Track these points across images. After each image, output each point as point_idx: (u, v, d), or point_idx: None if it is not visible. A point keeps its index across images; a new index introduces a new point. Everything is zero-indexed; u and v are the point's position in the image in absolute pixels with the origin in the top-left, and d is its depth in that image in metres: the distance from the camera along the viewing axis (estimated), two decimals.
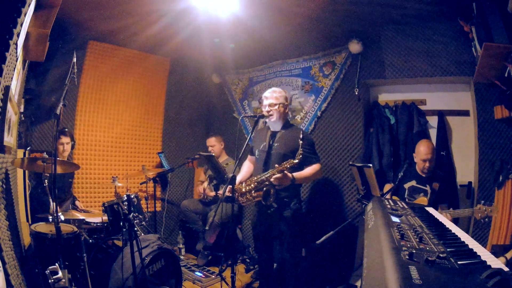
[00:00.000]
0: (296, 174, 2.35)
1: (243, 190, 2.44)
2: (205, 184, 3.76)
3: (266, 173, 2.39)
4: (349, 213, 3.25)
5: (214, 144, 3.86)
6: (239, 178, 2.59)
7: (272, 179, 2.30)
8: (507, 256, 1.81)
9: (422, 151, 2.55)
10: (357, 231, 3.14)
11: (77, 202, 3.21)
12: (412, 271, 0.69)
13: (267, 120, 2.55)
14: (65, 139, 3.02)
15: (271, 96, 2.52)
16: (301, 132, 2.39)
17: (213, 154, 3.41)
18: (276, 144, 2.50)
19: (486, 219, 2.09)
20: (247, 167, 2.77)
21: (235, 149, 3.33)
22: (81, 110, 3.57)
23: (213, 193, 3.66)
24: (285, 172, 2.29)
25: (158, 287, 2.43)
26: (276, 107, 2.51)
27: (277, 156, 2.45)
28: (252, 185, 2.43)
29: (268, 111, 2.50)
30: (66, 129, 3.09)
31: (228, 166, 3.64)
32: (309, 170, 2.44)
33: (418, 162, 2.60)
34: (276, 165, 2.35)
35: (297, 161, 2.31)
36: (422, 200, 2.51)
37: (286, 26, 3.13)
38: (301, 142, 2.30)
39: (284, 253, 2.55)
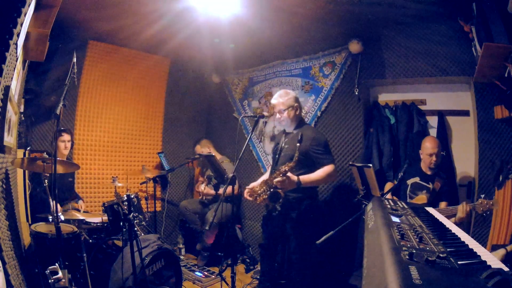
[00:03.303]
0: (303, 177, 2.27)
1: (258, 191, 2.40)
2: (204, 185, 3.75)
3: (272, 175, 2.34)
4: (349, 213, 3.25)
5: (202, 151, 3.87)
6: (261, 178, 2.54)
7: (274, 182, 2.25)
8: (508, 249, 1.79)
9: (428, 146, 2.56)
10: (357, 231, 3.14)
11: (80, 202, 3.20)
12: (412, 271, 0.69)
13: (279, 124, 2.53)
14: (66, 137, 3.05)
15: (278, 103, 2.46)
16: (306, 132, 2.34)
17: (213, 154, 3.41)
18: (286, 146, 2.46)
19: (488, 212, 2.09)
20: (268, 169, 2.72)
21: (235, 149, 3.33)
22: (81, 110, 3.57)
23: (212, 192, 3.66)
24: (289, 175, 2.23)
25: (158, 287, 2.43)
26: (285, 113, 2.46)
27: (285, 158, 2.41)
28: (264, 187, 2.38)
29: (279, 118, 2.47)
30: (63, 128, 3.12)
31: (223, 164, 3.63)
32: (319, 172, 2.33)
33: (424, 158, 2.60)
34: (280, 168, 2.31)
35: (292, 164, 2.26)
36: (421, 198, 2.52)
37: (286, 26, 3.13)
38: (298, 144, 2.26)
39: (290, 255, 2.51)
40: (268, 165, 3.37)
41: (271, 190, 2.29)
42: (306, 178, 2.29)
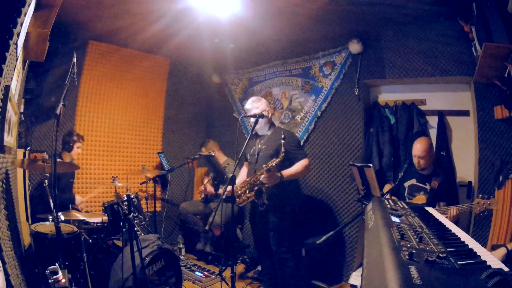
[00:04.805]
0: (284, 172, 2.48)
1: (239, 192, 2.60)
2: (205, 180, 3.77)
3: (255, 174, 2.53)
4: (349, 213, 3.25)
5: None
6: (237, 182, 2.68)
7: (261, 178, 2.44)
8: (508, 247, 1.79)
9: (415, 148, 2.58)
10: (357, 231, 3.14)
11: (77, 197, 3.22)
12: (412, 271, 0.69)
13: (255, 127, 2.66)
14: (81, 144, 3.18)
15: (252, 107, 2.66)
16: (283, 132, 2.50)
17: (213, 154, 3.42)
18: (263, 147, 2.63)
19: (486, 213, 2.09)
20: (243, 171, 2.92)
21: (234, 149, 3.34)
22: (81, 110, 3.57)
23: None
24: (272, 170, 2.43)
25: (158, 287, 2.43)
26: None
27: (264, 157, 2.58)
28: (246, 187, 2.57)
29: (253, 121, 2.63)
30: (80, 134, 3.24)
31: (229, 166, 3.64)
32: (297, 166, 2.54)
33: (414, 159, 2.61)
34: (264, 166, 2.48)
35: (279, 159, 2.43)
36: (420, 198, 2.52)
37: (286, 26, 3.13)
38: (282, 141, 2.42)
39: (274, 248, 2.62)
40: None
41: (256, 188, 2.46)
42: (287, 172, 2.50)
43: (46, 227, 2.21)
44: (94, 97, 3.66)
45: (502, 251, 1.78)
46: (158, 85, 4.24)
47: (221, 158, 3.92)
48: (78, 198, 3.18)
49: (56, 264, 1.63)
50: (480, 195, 2.11)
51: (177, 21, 2.89)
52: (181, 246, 3.97)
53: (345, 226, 3.12)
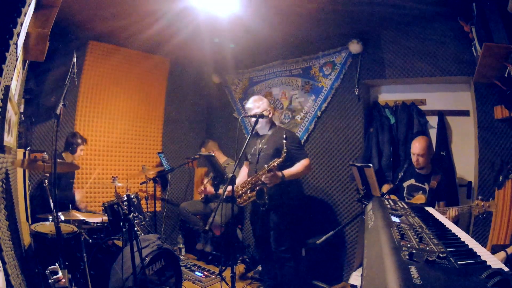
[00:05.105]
0: (286, 171, 2.49)
1: (240, 192, 2.60)
2: (205, 180, 3.76)
3: (257, 174, 2.53)
4: (349, 213, 3.25)
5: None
6: (237, 182, 2.69)
7: (262, 178, 2.44)
8: (508, 251, 1.79)
9: (414, 146, 2.58)
10: (357, 231, 3.14)
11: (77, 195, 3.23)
12: (412, 271, 0.69)
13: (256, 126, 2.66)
14: (84, 146, 3.21)
15: (254, 107, 2.65)
16: (284, 131, 2.51)
17: (213, 154, 3.42)
18: (264, 147, 2.64)
19: (485, 215, 2.09)
20: (243, 171, 2.92)
21: (234, 149, 3.34)
22: (81, 110, 3.57)
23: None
24: (274, 170, 2.43)
25: (158, 287, 2.43)
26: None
27: (265, 157, 2.58)
28: (247, 187, 2.58)
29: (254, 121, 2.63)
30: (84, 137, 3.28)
31: (229, 166, 3.64)
32: (298, 166, 2.55)
33: (412, 157, 2.61)
34: (265, 166, 2.48)
35: (281, 159, 2.44)
36: (419, 197, 2.52)
37: (286, 26, 3.13)
38: (284, 141, 2.42)
39: (274, 247, 2.63)
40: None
41: (257, 188, 2.47)
42: (288, 172, 2.50)
43: (46, 227, 2.21)
44: (94, 97, 3.66)
45: (501, 255, 1.78)
46: (158, 85, 4.24)
47: (221, 158, 3.92)
48: (78, 194, 3.22)
49: (56, 264, 1.63)
50: (480, 197, 2.11)
51: (177, 21, 2.89)
52: (181, 246, 3.97)
53: (345, 226, 3.12)
